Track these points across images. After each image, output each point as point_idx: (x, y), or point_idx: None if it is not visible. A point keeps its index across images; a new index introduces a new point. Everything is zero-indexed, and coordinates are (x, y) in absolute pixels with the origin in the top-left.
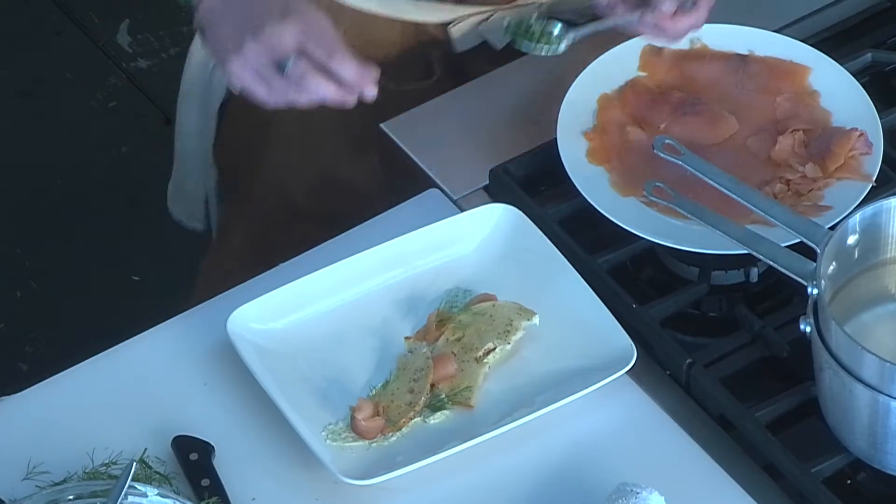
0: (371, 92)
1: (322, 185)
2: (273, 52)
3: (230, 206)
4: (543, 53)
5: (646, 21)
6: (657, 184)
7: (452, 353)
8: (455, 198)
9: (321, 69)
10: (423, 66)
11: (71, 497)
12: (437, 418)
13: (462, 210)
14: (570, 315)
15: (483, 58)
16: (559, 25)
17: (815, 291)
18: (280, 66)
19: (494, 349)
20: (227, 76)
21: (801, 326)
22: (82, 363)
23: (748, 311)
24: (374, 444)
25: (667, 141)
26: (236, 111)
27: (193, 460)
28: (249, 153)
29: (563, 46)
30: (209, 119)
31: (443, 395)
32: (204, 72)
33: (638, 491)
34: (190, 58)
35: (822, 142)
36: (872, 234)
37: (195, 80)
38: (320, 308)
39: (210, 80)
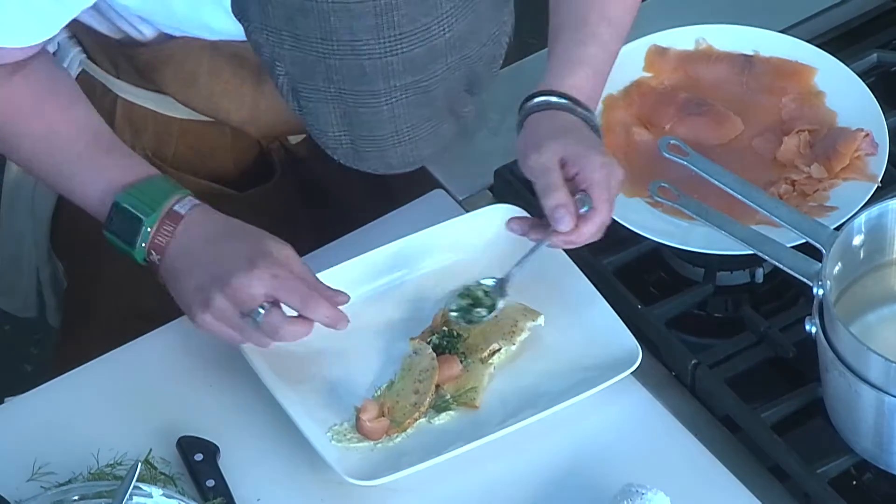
0: (343, 326)
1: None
2: (243, 305)
3: (75, 300)
4: (487, 316)
5: (555, 242)
6: (662, 184)
7: (457, 353)
8: (460, 199)
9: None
10: (263, 169)
11: (76, 498)
12: (442, 419)
13: (467, 211)
14: (576, 316)
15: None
16: (493, 283)
17: (821, 292)
18: (251, 317)
19: (499, 350)
20: (196, 325)
21: (807, 327)
22: (87, 364)
23: (753, 311)
24: (379, 445)
25: (672, 141)
26: (71, 216)
27: (198, 461)
28: (89, 257)
29: (500, 303)
30: (41, 224)
31: (448, 396)
32: (26, 183)
33: (643, 492)
34: (8, 169)
35: (828, 142)
36: (878, 235)
37: (17, 189)
38: None
39: (34, 192)
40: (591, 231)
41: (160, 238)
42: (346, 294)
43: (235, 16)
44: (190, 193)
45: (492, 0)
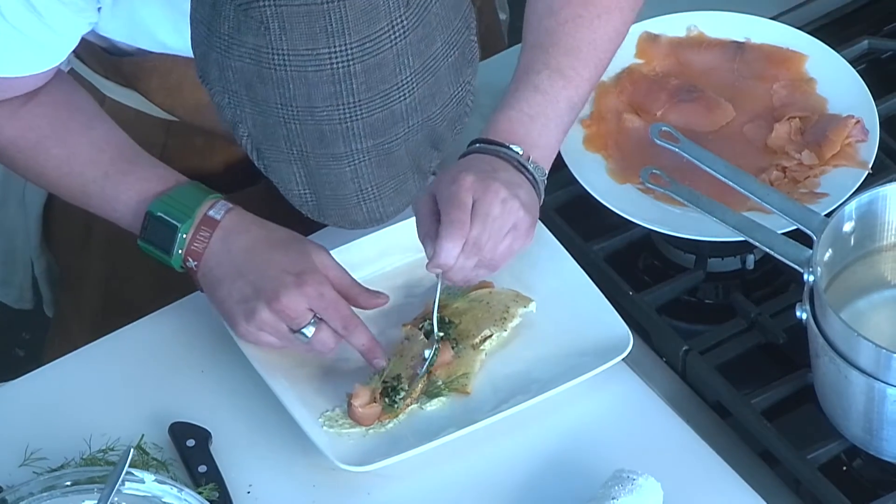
0: (380, 364)
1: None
2: (290, 321)
3: (65, 291)
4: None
5: (430, 269)
6: (654, 171)
7: (449, 339)
8: None
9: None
10: (251, 169)
11: (68, 483)
12: (434, 405)
13: None
14: (567, 302)
15: None
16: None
17: (812, 278)
18: (301, 332)
19: (491, 336)
20: (236, 334)
21: (797, 313)
22: (79, 350)
23: (744, 298)
24: (371, 431)
25: (663, 128)
26: (61, 209)
27: (190, 447)
28: (78, 249)
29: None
30: (32, 218)
31: (440, 382)
32: (16, 177)
33: (634, 477)
34: None
35: (819, 129)
36: (868, 221)
37: (8, 183)
38: None
39: (24, 186)
40: (446, 250)
41: (196, 244)
42: (385, 295)
43: (199, 78)
44: (222, 197)
45: (452, 62)
